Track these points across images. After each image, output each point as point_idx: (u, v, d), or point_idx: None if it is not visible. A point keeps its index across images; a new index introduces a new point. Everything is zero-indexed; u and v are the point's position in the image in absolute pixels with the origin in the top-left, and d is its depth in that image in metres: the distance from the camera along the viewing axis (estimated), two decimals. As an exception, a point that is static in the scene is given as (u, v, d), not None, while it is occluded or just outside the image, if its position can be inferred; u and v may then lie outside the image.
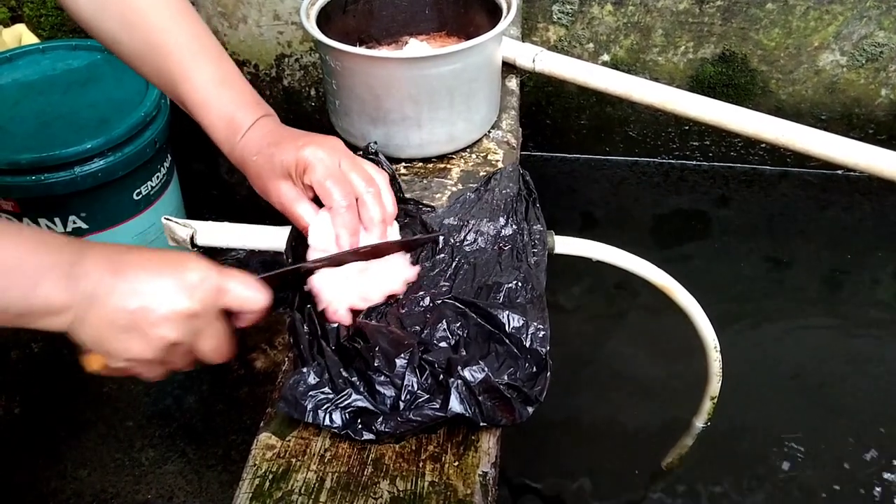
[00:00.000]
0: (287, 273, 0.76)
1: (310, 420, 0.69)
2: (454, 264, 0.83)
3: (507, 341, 0.73)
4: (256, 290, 0.68)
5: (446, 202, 0.95)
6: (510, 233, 0.86)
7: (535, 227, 0.87)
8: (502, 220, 0.87)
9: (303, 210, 0.78)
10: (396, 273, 0.79)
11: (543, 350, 0.73)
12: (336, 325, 0.75)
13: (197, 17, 0.82)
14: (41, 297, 0.59)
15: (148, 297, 0.61)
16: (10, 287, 0.58)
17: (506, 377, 0.70)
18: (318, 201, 0.78)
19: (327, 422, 0.69)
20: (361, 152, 0.98)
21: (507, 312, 0.74)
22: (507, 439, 0.76)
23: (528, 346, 0.73)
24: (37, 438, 1.44)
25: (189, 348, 0.65)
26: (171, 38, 0.79)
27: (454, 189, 0.98)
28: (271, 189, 0.79)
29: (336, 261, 0.76)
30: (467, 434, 0.71)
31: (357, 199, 0.77)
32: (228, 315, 0.68)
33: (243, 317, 0.69)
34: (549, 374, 0.71)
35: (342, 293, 0.76)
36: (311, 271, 0.76)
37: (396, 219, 0.82)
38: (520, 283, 0.79)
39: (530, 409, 0.69)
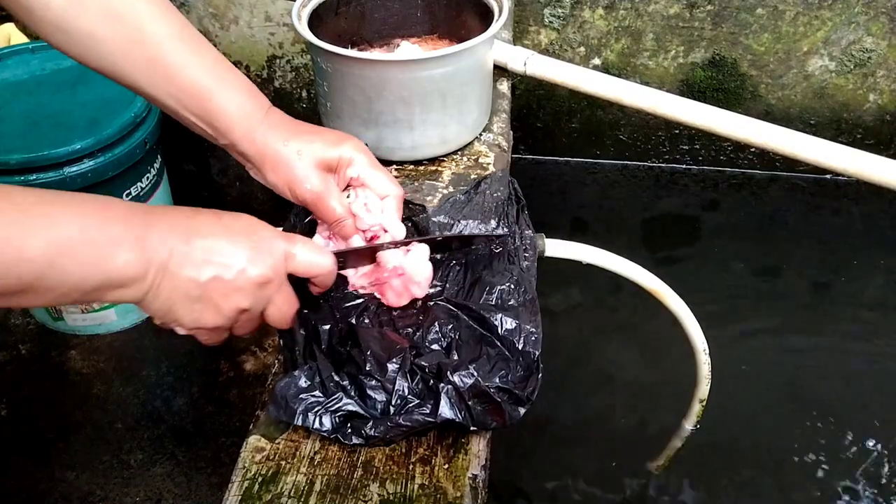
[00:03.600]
0: (360, 251, 0.78)
1: (299, 423, 0.69)
2: (446, 264, 0.83)
3: (500, 344, 0.73)
4: (322, 255, 0.69)
5: (437, 204, 0.95)
6: (501, 234, 0.87)
7: (525, 232, 0.88)
8: (493, 222, 0.88)
9: (337, 202, 0.78)
10: (426, 268, 0.81)
11: (535, 353, 0.73)
12: (328, 327, 0.75)
13: (179, 13, 0.77)
14: (116, 270, 0.58)
15: (221, 267, 0.62)
16: (84, 262, 0.56)
17: (497, 380, 0.70)
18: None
19: (317, 425, 0.68)
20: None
21: (500, 315, 0.75)
22: (497, 442, 0.77)
23: (520, 348, 0.73)
24: (24, 441, 1.43)
25: (257, 315, 0.67)
26: (162, 28, 0.74)
27: (445, 192, 0.98)
28: (305, 177, 0.77)
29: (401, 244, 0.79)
30: (457, 437, 0.71)
31: None
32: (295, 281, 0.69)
33: (312, 283, 0.71)
34: (540, 375, 0.71)
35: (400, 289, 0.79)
36: (373, 251, 0.78)
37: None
38: (512, 286, 0.79)
39: (521, 410, 0.70)
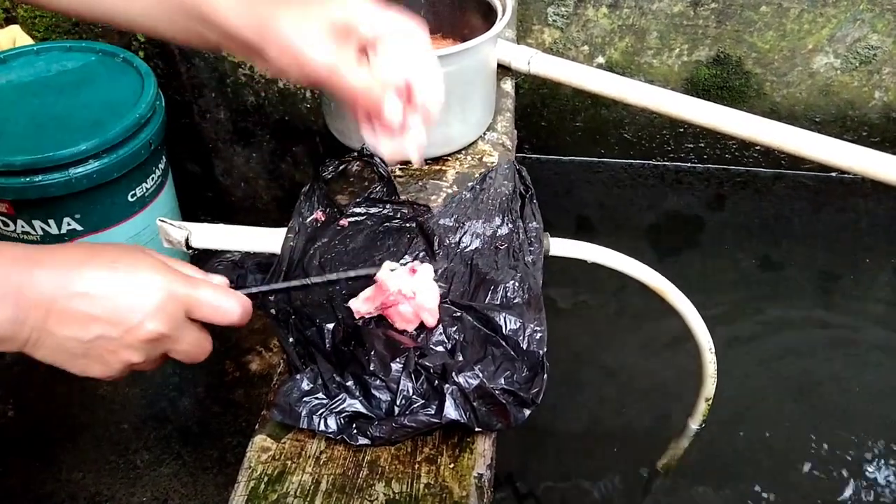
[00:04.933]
0: (273, 292, 0.74)
1: (304, 426, 0.69)
2: (450, 266, 0.83)
3: (504, 344, 0.73)
4: (228, 299, 0.64)
5: (441, 203, 0.95)
6: (506, 232, 0.86)
7: (531, 224, 0.87)
8: (498, 220, 0.87)
9: (356, 71, 0.63)
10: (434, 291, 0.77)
11: (541, 352, 0.73)
12: (332, 325, 0.75)
13: None
14: None
15: (106, 325, 0.57)
16: None
17: (502, 381, 0.70)
18: None
19: (322, 427, 0.69)
20: (357, 154, 0.99)
21: (504, 314, 0.74)
22: (502, 441, 0.76)
23: (525, 348, 0.73)
24: (31, 441, 1.44)
25: (156, 361, 0.63)
26: None
27: (450, 191, 0.98)
28: (311, 49, 0.62)
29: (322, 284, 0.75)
30: (463, 436, 0.71)
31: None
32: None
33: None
34: (545, 376, 0.71)
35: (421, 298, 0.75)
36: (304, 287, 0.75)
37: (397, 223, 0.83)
38: (517, 283, 0.79)
39: (526, 412, 0.69)
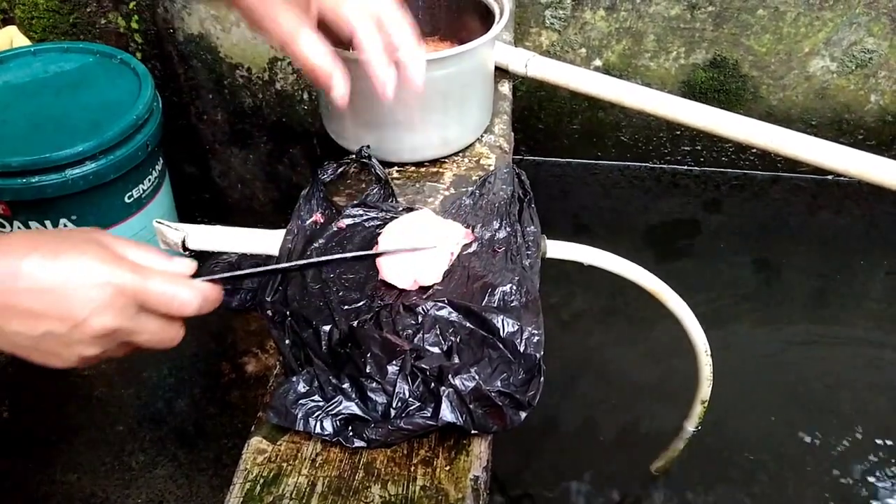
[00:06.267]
0: (238, 277, 0.71)
1: (300, 428, 0.69)
2: (448, 269, 0.83)
3: (501, 346, 0.73)
4: (183, 291, 0.60)
5: (439, 206, 0.95)
6: (504, 235, 0.86)
7: (528, 228, 0.88)
8: (496, 224, 0.88)
9: (305, 43, 0.68)
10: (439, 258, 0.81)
11: (538, 355, 0.73)
12: (328, 327, 0.75)
13: None
14: None
15: (52, 321, 0.55)
16: None
17: (498, 383, 0.70)
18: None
19: (318, 430, 0.69)
20: (354, 156, 0.99)
21: (501, 317, 0.74)
22: (498, 443, 0.76)
23: (522, 350, 0.73)
24: (26, 442, 1.43)
25: (118, 349, 0.61)
26: None
27: (447, 193, 0.98)
28: (277, 24, 0.68)
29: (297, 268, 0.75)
30: (459, 438, 0.71)
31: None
32: None
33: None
34: (542, 379, 0.71)
35: (403, 269, 0.78)
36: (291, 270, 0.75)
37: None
38: (514, 287, 0.79)
39: (522, 415, 0.69)
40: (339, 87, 0.72)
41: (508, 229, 0.87)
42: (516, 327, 0.74)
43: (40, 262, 0.55)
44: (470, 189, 0.95)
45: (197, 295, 0.61)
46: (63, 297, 0.55)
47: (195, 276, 0.64)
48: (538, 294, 0.79)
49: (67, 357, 0.58)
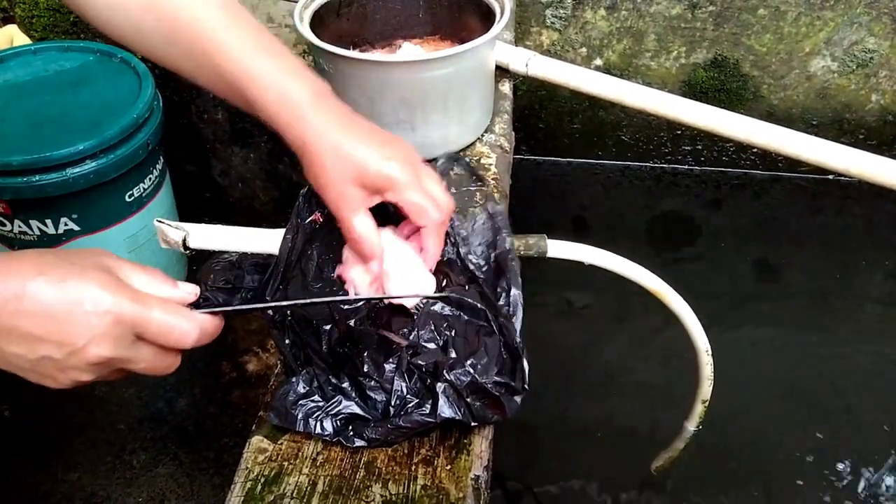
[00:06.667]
0: (237, 312, 0.71)
1: (301, 429, 0.69)
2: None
3: (497, 332, 0.73)
4: (183, 324, 0.60)
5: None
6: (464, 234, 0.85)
7: (495, 208, 0.84)
8: (457, 221, 0.86)
9: (360, 222, 0.70)
10: (417, 282, 0.77)
11: (516, 339, 0.72)
12: (329, 327, 0.75)
13: None
14: None
15: (50, 346, 0.56)
16: None
17: (495, 374, 0.70)
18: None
19: (318, 430, 0.69)
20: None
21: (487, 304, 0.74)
22: (499, 442, 0.77)
23: (504, 338, 0.73)
24: (27, 441, 1.43)
25: (113, 374, 0.61)
26: (202, 12, 0.70)
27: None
28: (334, 187, 0.69)
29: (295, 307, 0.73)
30: (459, 437, 0.71)
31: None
32: None
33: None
34: (524, 360, 0.70)
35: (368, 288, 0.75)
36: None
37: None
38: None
39: (518, 399, 0.69)
40: (375, 267, 0.73)
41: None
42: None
43: (45, 286, 0.55)
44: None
45: (195, 327, 0.61)
46: (64, 324, 0.55)
47: (196, 305, 0.65)
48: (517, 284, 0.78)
49: (62, 381, 0.59)
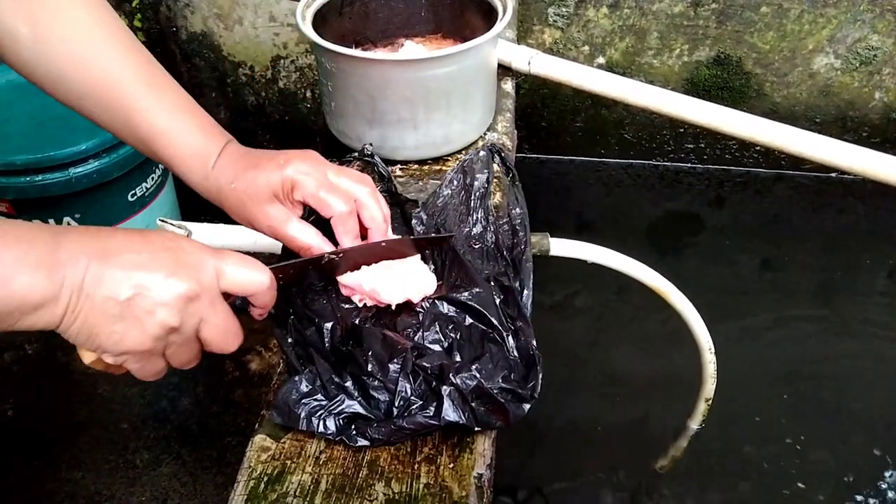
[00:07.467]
0: (299, 266, 0.74)
1: (304, 428, 0.69)
2: (444, 262, 0.82)
3: (501, 340, 0.73)
4: (257, 270, 0.64)
5: (440, 203, 0.94)
6: (479, 230, 0.85)
7: (514, 211, 0.86)
8: (471, 220, 0.86)
9: (295, 229, 0.74)
10: (417, 282, 0.78)
11: (532, 345, 0.72)
12: (331, 325, 0.75)
13: (146, 51, 0.77)
14: (18, 293, 0.53)
15: (142, 282, 0.57)
16: None
17: (500, 380, 0.70)
18: (306, 219, 0.76)
19: (321, 429, 0.68)
20: (357, 154, 0.99)
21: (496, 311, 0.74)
22: (502, 441, 0.76)
23: (517, 343, 0.73)
24: (30, 440, 1.44)
25: (190, 336, 0.62)
26: (122, 71, 0.74)
27: (450, 191, 0.97)
28: (257, 214, 0.74)
29: (352, 256, 0.75)
30: (462, 436, 0.71)
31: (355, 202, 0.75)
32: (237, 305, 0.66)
33: (251, 304, 0.67)
34: (540, 369, 0.71)
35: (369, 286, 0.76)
36: (324, 266, 0.75)
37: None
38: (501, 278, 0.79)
39: (526, 407, 0.69)
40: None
41: (483, 223, 0.85)
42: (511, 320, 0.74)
43: (125, 237, 0.60)
44: (449, 176, 0.92)
45: (266, 274, 0.65)
46: (150, 262, 0.58)
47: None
48: (523, 287, 0.79)
49: (149, 327, 0.59)
